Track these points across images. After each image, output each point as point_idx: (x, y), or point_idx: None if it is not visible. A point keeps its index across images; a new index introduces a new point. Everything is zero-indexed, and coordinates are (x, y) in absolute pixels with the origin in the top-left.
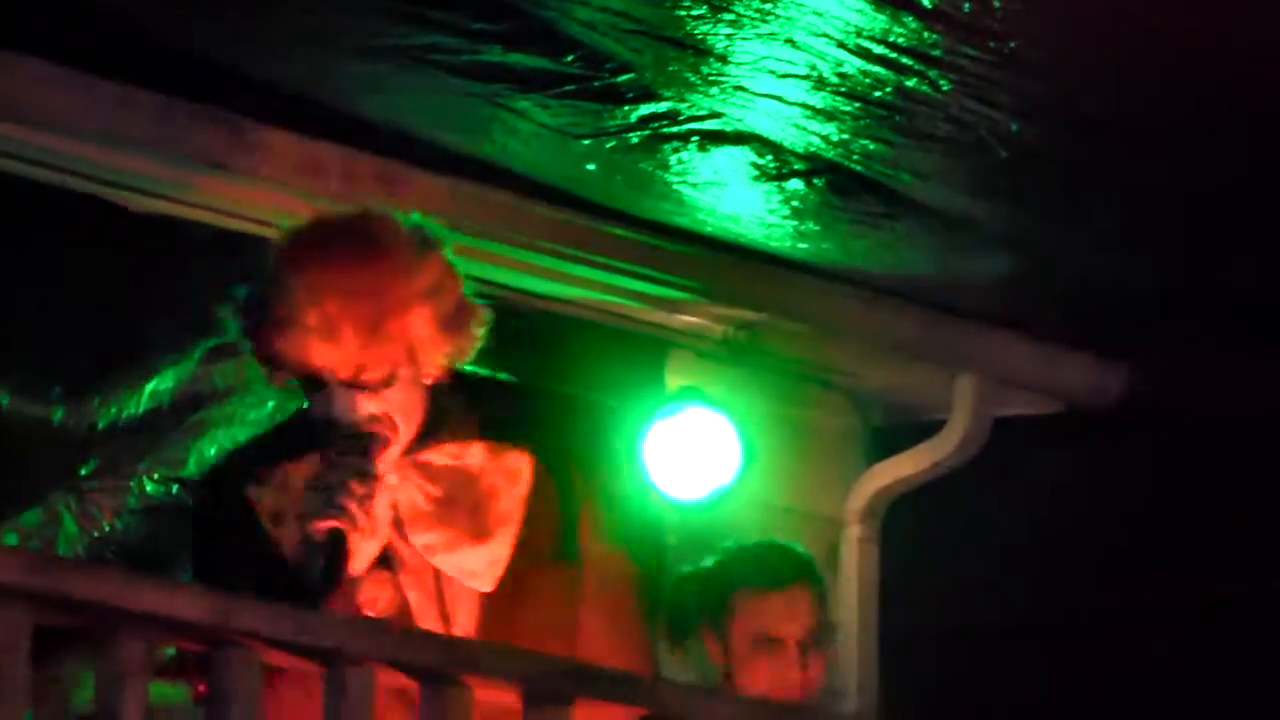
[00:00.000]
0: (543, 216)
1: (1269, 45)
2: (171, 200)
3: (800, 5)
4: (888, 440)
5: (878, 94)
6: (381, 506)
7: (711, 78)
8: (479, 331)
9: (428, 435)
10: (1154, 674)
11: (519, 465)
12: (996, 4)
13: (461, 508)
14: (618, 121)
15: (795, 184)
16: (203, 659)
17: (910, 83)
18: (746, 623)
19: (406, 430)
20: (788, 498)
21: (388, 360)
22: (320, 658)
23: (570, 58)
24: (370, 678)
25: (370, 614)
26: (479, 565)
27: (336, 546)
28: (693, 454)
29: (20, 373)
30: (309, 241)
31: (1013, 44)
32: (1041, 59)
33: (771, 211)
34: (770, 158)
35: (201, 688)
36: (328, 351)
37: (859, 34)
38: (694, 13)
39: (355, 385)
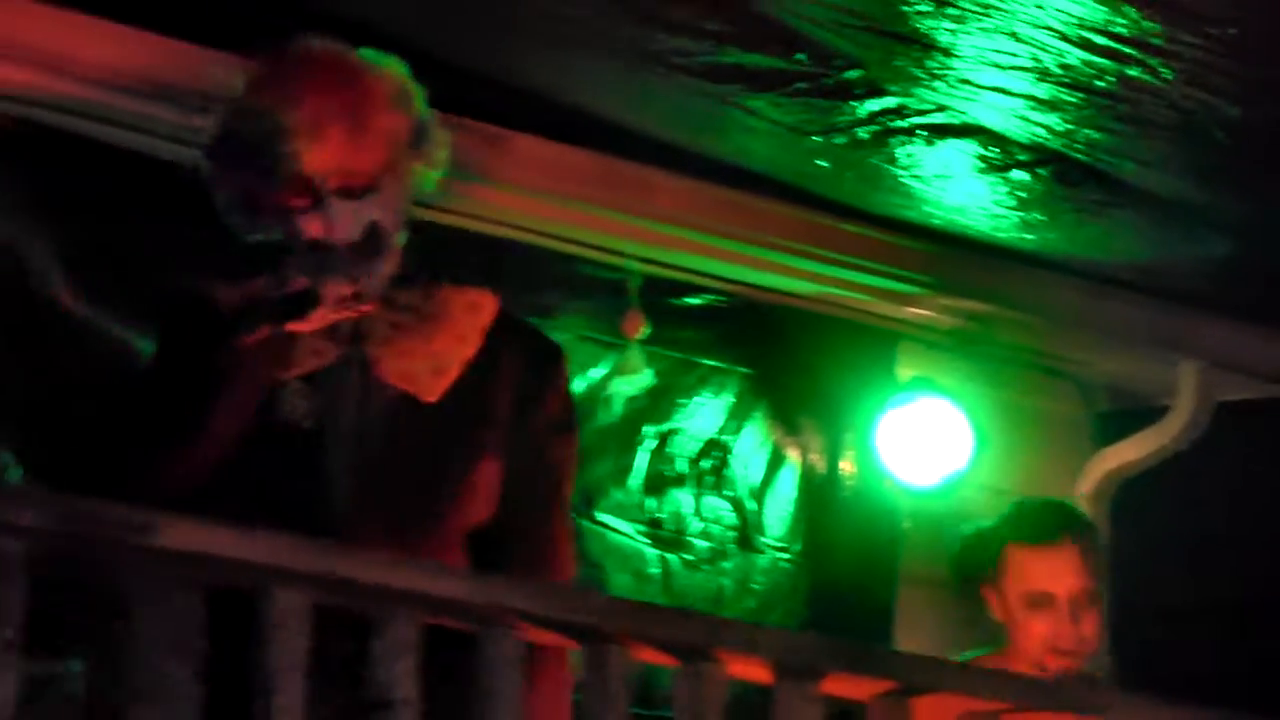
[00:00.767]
0: (778, 214)
1: None
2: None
3: None
4: (1113, 426)
5: (1100, 84)
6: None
7: (937, 72)
8: (444, 154)
9: (400, 279)
10: None
11: (481, 299)
12: None
13: (418, 332)
14: (847, 118)
15: (1020, 174)
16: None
17: (1132, 72)
18: (1016, 578)
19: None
20: (1018, 483)
21: (372, 161)
22: (578, 634)
23: (801, 56)
24: (626, 654)
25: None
26: (422, 372)
27: (303, 300)
28: (925, 441)
29: None
30: (278, 62)
31: (1231, 30)
32: (1260, 44)
33: (997, 202)
34: (995, 149)
35: None
36: (316, 152)
37: (1080, 25)
38: (919, 8)
39: (346, 194)
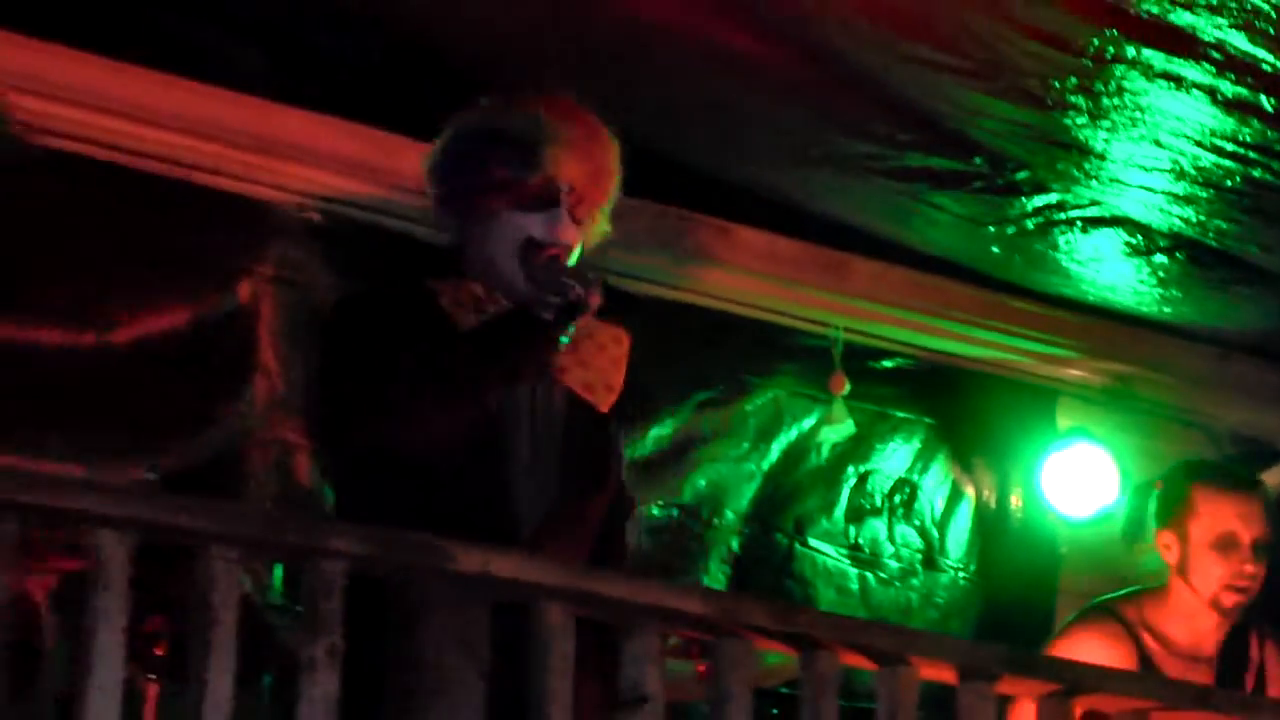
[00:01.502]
0: (958, 292)
1: None
2: (668, 286)
3: (1164, 112)
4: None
5: (1229, 183)
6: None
7: (1092, 172)
8: (607, 228)
9: None
10: None
11: (619, 332)
12: None
13: (585, 350)
14: (1016, 211)
15: (1160, 258)
16: (706, 646)
17: (1256, 173)
18: (1207, 519)
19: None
20: None
21: (596, 201)
22: (795, 642)
23: (978, 160)
24: (834, 658)
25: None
26: (597, 385)
27: (574, 308)
28: (1080, 480)
29: None
30: (542, 95)
31: None
32: None
33: (1141, 281)
34: (1140, 237)
35: (702, 668)
36: (572, 164)
37: (1213, 134)
38: (1078, 120)
39: (571, 210)
